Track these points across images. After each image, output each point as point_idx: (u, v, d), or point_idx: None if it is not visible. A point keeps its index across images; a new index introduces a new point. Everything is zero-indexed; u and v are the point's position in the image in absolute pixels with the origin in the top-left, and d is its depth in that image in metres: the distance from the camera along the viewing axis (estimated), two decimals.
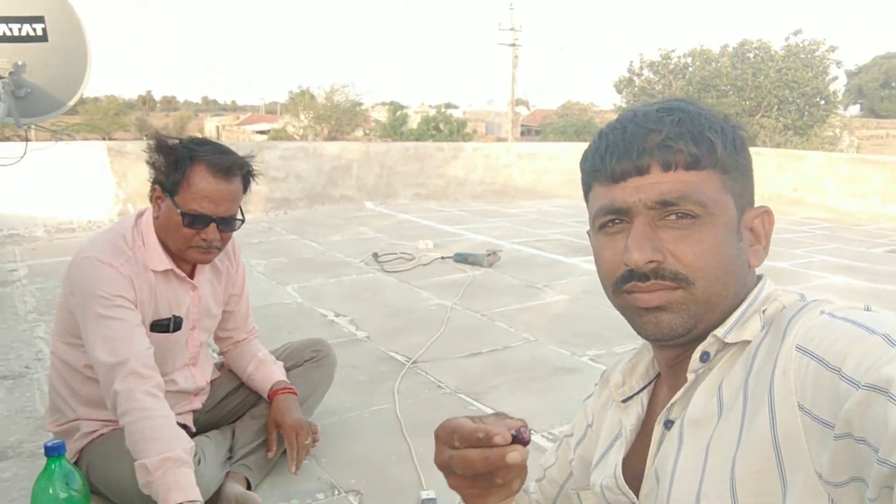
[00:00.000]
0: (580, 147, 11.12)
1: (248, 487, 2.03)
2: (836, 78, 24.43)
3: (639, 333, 0.83)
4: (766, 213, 0.83)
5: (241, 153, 1.96)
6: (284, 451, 2.15)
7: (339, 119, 32.85)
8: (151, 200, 1.92)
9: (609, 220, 0.81)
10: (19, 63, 3.53)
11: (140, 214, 1.98)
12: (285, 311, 3.97)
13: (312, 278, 4.76)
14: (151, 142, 1.90)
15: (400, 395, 2.82)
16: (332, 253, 5.62)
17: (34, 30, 3.50)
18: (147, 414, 1.70)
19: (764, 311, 0.77)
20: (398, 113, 38.74)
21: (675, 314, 0.78)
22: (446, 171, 9.13)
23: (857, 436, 0.59)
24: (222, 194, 1.86)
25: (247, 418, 2.25)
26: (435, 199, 9.13)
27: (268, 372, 2.26)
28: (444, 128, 32.56)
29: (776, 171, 9.27)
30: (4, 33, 3.45)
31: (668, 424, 0.82)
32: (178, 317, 2.00)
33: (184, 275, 1.98)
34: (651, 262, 0.76)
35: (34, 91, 3.61)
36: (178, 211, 1.84)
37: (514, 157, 9.70)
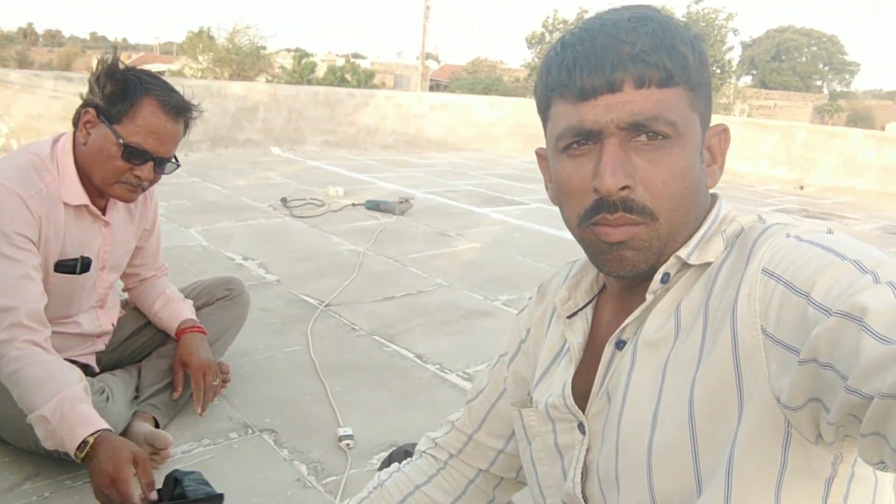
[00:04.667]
0: (493, 101, 11.13)
1: (157, 427, 1.95)
2: (732, 48, 25.50)
3: (601, 269, 0.80)
4: (724, 131, 0.81)
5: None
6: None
7: (242, 63, 31.33)
8: (78, 125, 1.76)
9: (574, 142, 0.75)
10: None
11: (56, 140, 1.81)
12: (189, 254, 3.81)
13: (217, 221, 4.58)
14: (102, 61, 1.76)
15: (313, 336, 2.78)
16: (237, 197, 5.42)
17: None
18: (34, 360, 1.58)
19: (724, 232, 0.77)
20: (304, 60, 37.39)
21: (639, 251, 0.75)
22: (357, 118, 8.94)
23: (823, 361, 0.58)
24: (168, 133, 1.76)
25: (154, 357, 2.15)
26: (345, 147, 8.94)
27: (176, 310, 2.16)
28: (351, 78, 31.73)
29: None
30: None
31: (620, 345, 0.80)
32: (87, 258, 1.86)
33: (97, 211, 1.84)
34: (624, 187, 0.72)
35: None
36: (120, 141, 1.70)
37: (426, 108, 9.61)
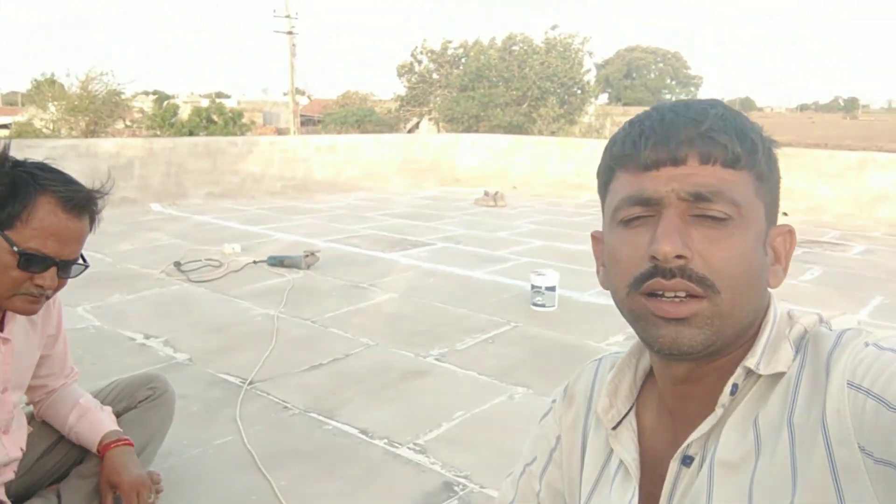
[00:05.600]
0: (379, 139, 11.10)
1: None
2: (590, 70, 26.97)
3: (648, 345, 0.75)
4: (790, 232, 0.79)
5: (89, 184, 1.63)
6: None
7: (98, 111, 29.66)
8: None
9: (633, 214, 0.73)
10: None
11: None
12: (82, 338, 3.44)
13: (107, 296, 4.19)
14: None
15: (244, 422, 2.56)
16: (124, 264, 5.02)
17: None
18: None
19: (789, 336, 0.74)
20: (166, 103, 35.94)
21: (699, 329, 0.70)
22: (241, 167, 8.60)
23: None
24: (71, 233, 1.54)
25: (74, 478, 1.89)
26: (231, 198, 8.57)
27: (94, 422, 1.91)
28: (217, 119, 30.74)
29: (561, 159, 10.00)
30: None
31: (687, 461, 0.76)
32: None
33: None
34: (680, 256, 0.69)
35: None
36: (14, 249, 1.47)
37: (312, 151, 9.40)
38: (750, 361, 0.72)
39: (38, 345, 1.80)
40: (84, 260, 1.64)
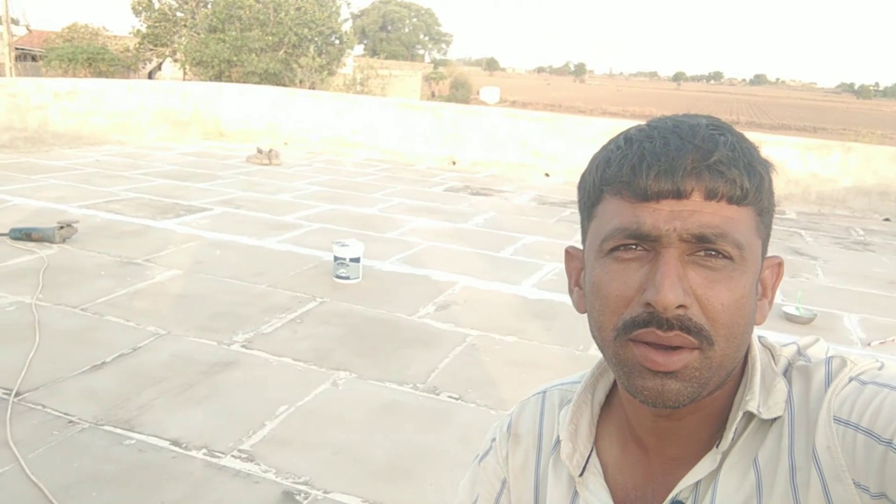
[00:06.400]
0: (131, 84, 9.92)
1: None
2: (347, 19, 26.64)
3: (632, 395, 0.70)
4: (779, 265, 0.77)
5: None
6: None
7: None
8: None
9: (625, 244, 0.67)
10: None
11: None
12: None
13: None
14: None
15: (19, 446, 2.12)
16: None
17: None
18: None
19: (778, 374, 0.73)
20: None
21: (685, 382, 0.67)
22: None
23: None
24: None
25: None
26: None
27: None
28: None
29: (335, 115, 9.68)
30: None
31: None
32: None
33: None
34: (680, 306, 0.64)
35: None
36: None
37: (49, 97, 8.02)
38: (751, 405, 0.70)
39: None
40: None
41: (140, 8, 24.44)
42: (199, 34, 23.65)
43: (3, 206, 5.10)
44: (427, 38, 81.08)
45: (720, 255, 0.66)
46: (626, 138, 0.69)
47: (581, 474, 0.78)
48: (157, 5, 24.47)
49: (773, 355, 0.74)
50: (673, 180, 0.65)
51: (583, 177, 0.73)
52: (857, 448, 0.63)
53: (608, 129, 8.31)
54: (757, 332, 0.76)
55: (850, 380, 0.67)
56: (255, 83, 15.02)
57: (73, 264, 3.85)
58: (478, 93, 50.70)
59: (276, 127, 9.96)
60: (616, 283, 0.68)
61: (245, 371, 2.73)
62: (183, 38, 24.04)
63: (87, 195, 5.61)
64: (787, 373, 0.73)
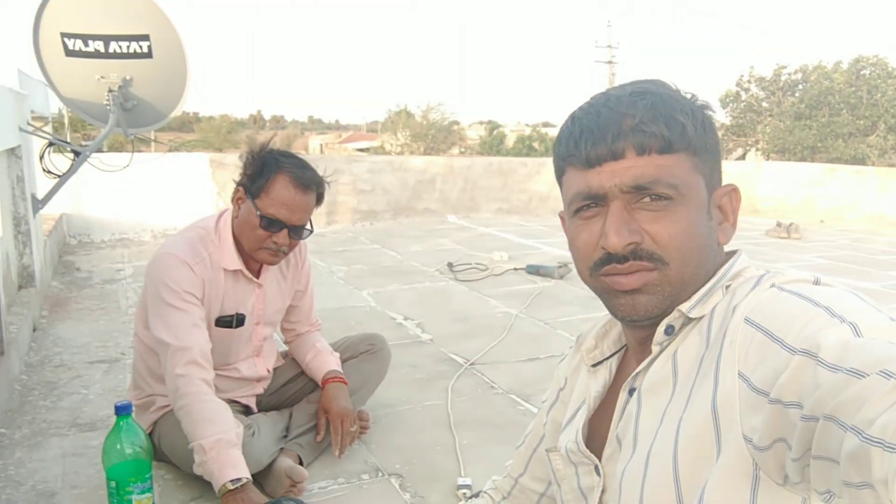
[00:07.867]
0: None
1: (301, 464, 2.20)
2: None
3: (614, 315, 0.86)
4: (734, 190, 0.86)
5: (321, 172, 2.14)
6: None
7: (435, 137, 33.36)
8: (233, 201, 2.12)
9: (584, 205, 0.82)
10: (127, 78, 3.94)
11: (221, 214, 2.19)
12: (357, 314, 4.18)
13: (387, 284, 4.96)
14: (246, 148, 2.12)
15: (453, 392, 2.94)
16: (409, 262, 5.82)
17: (140, 47, 3.90)
18: (204, 398, 1.91)
19: (727, 287, 0.81)
20: (495, 132, 39.04)
21: (652, 296, 0.80)
22: (529, 186, 9.20)
23: (787, 400, 0.62)
24: (298, 204, 2.03)
25: (304, 402, 2.43)
26: (517, 214, 9.21)
27: (323, 361, 2.43)
28: (538, 146, 32.46)
29: (879, 191, 8.78)
30: (115, 50, 3.87)
31: (632, 391, 0.86)
32: (241, 314, 2.20)
33: (251, 275, 2.17)
34: (629, 244, 0.78)
35: (140, 104, 4.01)
36: (258, 213, 2.02)
37: None
38: (684, 306, 0.81)
39: (286, 295, 2.38)
40: (312, 227, 2.16)
41: (728, 100, 25.76)
42: (783, 122, 23.60)
43: (535, 251, 6.48)
44: None
45: (660, 198, 0.78)
46: (571, 117, 0.84)
47: (594, 366, 0.97)
48: (743, 97, 25.46)
49: (739, 276, 0.83)
50: (607, 145, 0.78)
51: (552, 154, 0.89)
52: (752, 344, 0.69)
53: None
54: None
55: (772, 286, 0.75)
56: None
57: (557, 293, 4.77)
58: None
59: (811, 203, 9.52)
60: (582, 236, 0.83)
61: None
62: (766, 128, 24.32)
63: None
64: (730, 286, 0.82)
